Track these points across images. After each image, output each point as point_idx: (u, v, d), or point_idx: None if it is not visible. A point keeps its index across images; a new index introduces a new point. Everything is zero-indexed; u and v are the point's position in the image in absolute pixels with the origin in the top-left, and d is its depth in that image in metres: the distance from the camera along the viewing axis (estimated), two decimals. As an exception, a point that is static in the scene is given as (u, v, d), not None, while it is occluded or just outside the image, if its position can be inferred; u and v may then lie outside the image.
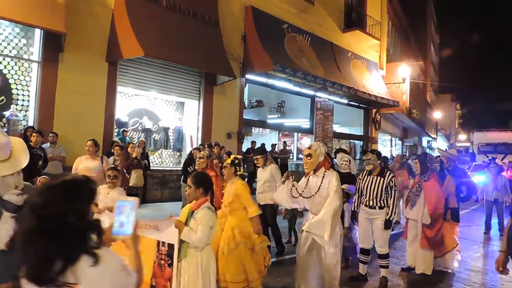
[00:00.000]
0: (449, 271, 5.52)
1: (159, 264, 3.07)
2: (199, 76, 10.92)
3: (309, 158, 3.98)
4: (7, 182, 2.05)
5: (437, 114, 36.79)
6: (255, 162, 6.03)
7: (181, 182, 7.75)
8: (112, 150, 7.13)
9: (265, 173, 5.87)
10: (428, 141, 39.29)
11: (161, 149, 10.98)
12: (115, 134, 9.45)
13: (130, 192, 6.77)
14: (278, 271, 5.06)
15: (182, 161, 10.73)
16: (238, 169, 4.39)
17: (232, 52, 11.15)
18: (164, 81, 10.20)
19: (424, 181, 5.25)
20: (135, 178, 7.51)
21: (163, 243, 3.07)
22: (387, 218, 4.63)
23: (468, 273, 5.59)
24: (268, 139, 15.89)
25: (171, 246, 3.01)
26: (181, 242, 2.98)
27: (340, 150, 7.75)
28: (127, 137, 9.70)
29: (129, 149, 7.19)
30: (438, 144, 42.50)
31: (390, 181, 4.72)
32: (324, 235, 3.69)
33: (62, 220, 1.29)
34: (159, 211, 8.57)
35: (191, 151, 8.00)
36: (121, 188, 4.71)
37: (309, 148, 4.07)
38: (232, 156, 4.55)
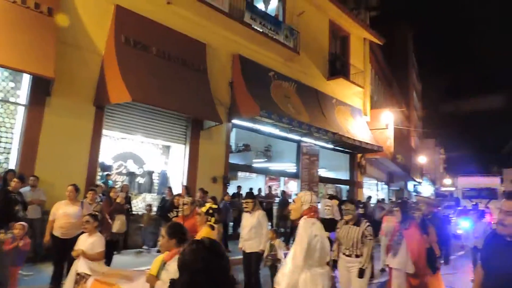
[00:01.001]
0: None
1: None
2: (186, 121, 11.05)
3: (292, 204, 4.07)
4: None
5: (421, 159, 37.43)
6: (244, 206, 5.99)
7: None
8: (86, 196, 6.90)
9: (252, 219, 5.80)
10: (414, 185, 39.62)
11: (144, 193, 10.83)
12: (99, 177, 9.34)
13: (112, 238, 6.59)
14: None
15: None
16: (209, 219, 4.42)
17: (219, 98, 11.40)
18: (150, 125, 10.28)
19: (404, 229, 5.27)
20: (118, 224, 7.35)
21: None
22: (361, 267, 4.61)
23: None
24: (254, 183, 15.83)
25: None
26: None
27: (333, 197, 7.77)
28: (110, 181, 9.59)
29: (111, 194, 7.09)
30: (424, 189, 42.88)
31: (365, 230, 4.77)
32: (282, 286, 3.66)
33: (211, 275, 1.55)
34: (140, 257, 8.32)
35: (173, 198, 7.91)
36: (100, 234, 4.62)
37: (297, 194, 4.20)
38: (208, 205, 4.58)
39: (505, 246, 2.55)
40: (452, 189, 39.34)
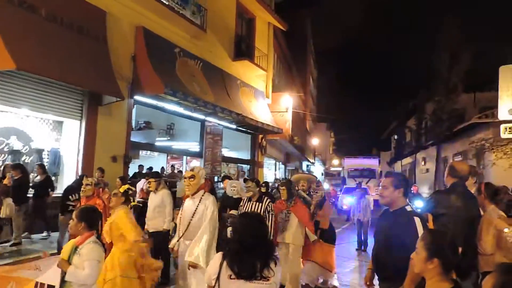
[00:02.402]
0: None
1: None
2: (82, 95, 10.12)
3: (192, 179, 4.05)
4: None
5: (314, 141, 40.49)
6: (148, 186, 5.85)
7: (59, 212, 7.00)
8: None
9: (157, 198, 5.72)
10: (307, 165, 42.85)
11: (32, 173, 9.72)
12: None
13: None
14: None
15: (59, 187, 9.73)
16: (130, 200, 4.37)
17: (120, 72, 10.66)
18: (39, 97, 9.14)
19: (291, 206, 5.56)
20: (8, 208, 6.49)
21: (42, 284, 2.78)
22: None
23: (341, 288, 6.19)
24: (156, 162, 15.42)
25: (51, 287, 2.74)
26: (62, 282, 2.72)
27: (225, 177, 8.04)
28: (-12, 160, 8.38)
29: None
30: (316, 168, 46.65)
31: (268, 206, 5.10)
32: (201, 263, 3.74)
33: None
34: (28, 244, 7.54)
35: (80, 177, 7.27)
36: None
37: (192, 170, 4.21)
38: (126, 186, 4.41)
39: (389, 216, 3.00)
40: (340, 169, 43.59)
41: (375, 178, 28.55)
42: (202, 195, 4.00)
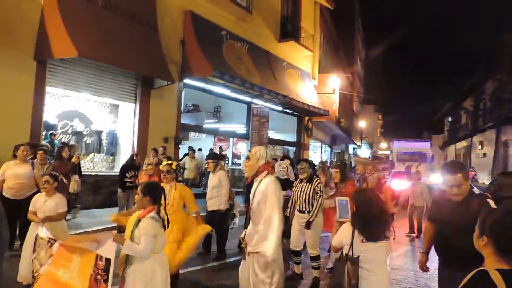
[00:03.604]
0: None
1: (95, 279, 3.03)
2: (136, 79, 10.65)
3: (247, 160, 3.82)
4: None
5: (361, 123, 39.50)
6: (205, 166, 6.12)
7: (118, 188, 7.53)
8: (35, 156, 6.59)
9: (215, 178, 5.96)
10: (354, 148, 41.99)
11: (93, 153, 10.48)
12: (43, 137, 8.86)
13: (68, 199, 6.40)
14: (219, 275, 5.19)
15: (117, 166, 10.39)
16: (177, 176, 4.65)
17: (170, 56, 11.04)
18: (97, 82, 9.77)
19: (342, 188, 5.41)
20: (75, 184, 7.11)
21: (101, 257, 3.05)
22: (308, 219, 5.00)
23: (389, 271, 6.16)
24: (204, 143, 15.89)
25: (108, 260, 3.00)
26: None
27: (284, 157, 8.07)
28: (55, 141, 9.13)
29: (63, 154, 6.78)
30: (362, 151, 45.61)
31: (316, 187, 5.12)
32: (268, 253, 3.45)
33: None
34: (91, 217, 8.21)
35: (131, 156, 7.78)
36: (60, 195, 4.52)
37: (250, 151, 4.00)
38: (175, 163, 4.69)
39: (451, 204, 2.97)
40: (388, 152, 42.29)
41: (426, 162, 27.39)
42: (263, 178, 3.66)
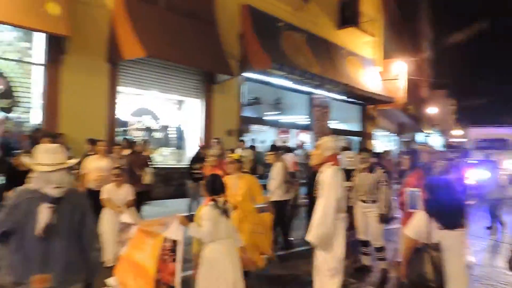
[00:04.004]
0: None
1: (163, 259, 3.21)
2: (199, 75, 11.11)
3: (315, 150, 4.02)
4: (50, 178, 2.33)
5: (432, 110, 37.08)
6: (265, 158, 6.25)
7: (187, 180, 7.94)
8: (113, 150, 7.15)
9: (273, 170, 6.08)
10: (424, 137, 39.64)
11: (162, 147, 11.15)
12: (117, 133, 9.61)
13: (142, 190, 6.88)
14: (287, 263, 5.27)
15: (183, 159, 10.94)
16: (242, 167, 4.79)
17: (230, 51, 11.33)
18: (164, 80, 10.38)
19: (410, 176, 5.28)
20: (149, 176, 7.59)
21: (168, 239, 3.24)
22: (381, 212, 4.84)
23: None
24: (265, 136, 16.05)
25: (175, 242, 3.16)
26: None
27: (344, 148, 7.96)
28: (129, 136, 9.86)
29: (138, 148, 7.32)
30: (434, 140, 42.89)
31: (380, 176, 5.00)
32: (311, 239, 3.68)
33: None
34: (164, 207, 8.76)
35: (198, 149, 8.19)
36: (127, 185, 4.94)
37: (318, 141, 4.13)
38: (238, 154, 4.87)
39: None
40: (463, 140, 39.26)
41: (509, 149, 24.98)
42: (328, 168, 3.74)
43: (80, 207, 2.48)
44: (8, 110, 8.06)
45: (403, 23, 27.28)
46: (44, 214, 2.25)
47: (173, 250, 3.16)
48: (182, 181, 9.09)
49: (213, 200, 3.30)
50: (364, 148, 5.68)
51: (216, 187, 3.37)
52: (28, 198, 2.30)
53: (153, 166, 9.22)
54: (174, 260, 3.14)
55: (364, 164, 5.19)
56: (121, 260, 3.85)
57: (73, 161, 2.54)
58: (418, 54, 32.04)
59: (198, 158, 7.94)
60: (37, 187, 2.35)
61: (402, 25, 27.08)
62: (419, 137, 37.68)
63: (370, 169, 5.10)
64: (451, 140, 48.57)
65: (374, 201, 4.95)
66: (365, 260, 5.22)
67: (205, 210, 3.24)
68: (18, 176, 4.24)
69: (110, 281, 3.88)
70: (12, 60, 8.17)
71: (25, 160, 2.50)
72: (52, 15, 7.48)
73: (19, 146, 6.74)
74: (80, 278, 2.43)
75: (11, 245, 2.25)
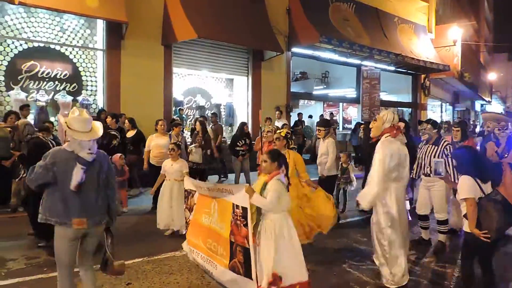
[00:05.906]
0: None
1: (235, 223, 3.49)
2: (247, 53, 11.28)
3: (374, 122, 3.99)
4: (84, 145, 2.82)
5: (491, 76, 34.59)
6: (316, 133, 6.25)
7: (232, 156, 8.25)
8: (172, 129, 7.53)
9: (323, 146, 6.08)
10: (482, 105, 37.32)
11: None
12: (173, 112, 10.15)
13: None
14: (336, 233, 5.46)
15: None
16: (290, 143, 4.91)
17: (277, 27, 11.34)
18: (214, 60, 10.68)
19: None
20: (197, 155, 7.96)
21: (238, 206, 3.52)
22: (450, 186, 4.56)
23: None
24: (313, 110, 16.05)
25: (245, 209, 3.42)
26: (257, 207, 3.46)
27: (400, 120, 7.75)
28: (183, 115, 10.38)
29: (197, 126, 7.52)
30: (493, 108, 40.22)
31: (445, 149, 4.76)
32: (362, 204, 3.92)
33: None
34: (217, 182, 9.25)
35: (241, 127, 8.33)
36: (182, 160, 5.39)
37: (378, 114, 4.22)
38: (284, 130, 5.03)
39: None
40: (526, 106, 36.47)
41: None
42: (383, 140, 3.79)
43: (105, 169, 3.01)
44: (75, 93, 8.77)
45: (460, -17, 25.34)
46: (78, 174, 2.76)
47: (243, 216, 3.41)
48: (229, 158, 9.43)
49: (281, 173, 3.42)
50: (426, 119, 5.39)
51: (282, 162, 3.47)
52: (66, 158, 2.80)
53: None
54: (245, 225, 3.40)
55: (424, 136, 4.99)
56: (190, 225, 4.27)
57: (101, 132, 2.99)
58: (476, 17, 29.75)
59: (241, 135, 8.22)
60: (72, 149, 2.83)
61: (459, -14, 25.18)
62: (477, 105, 35.55)
63: (435, 142, 4.90)
64: (511, 107, 45.23)
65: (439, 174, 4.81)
66: (424, 234, 5.19)
67: (273, 183, 3.33)
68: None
69: (184, 245, 4.34)
70: (77, 46, 8.80)
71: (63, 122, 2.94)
72: (111, 3, 7.95)
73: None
74: (105, 221, 3.04)
75: (55, 195, 2.82)
